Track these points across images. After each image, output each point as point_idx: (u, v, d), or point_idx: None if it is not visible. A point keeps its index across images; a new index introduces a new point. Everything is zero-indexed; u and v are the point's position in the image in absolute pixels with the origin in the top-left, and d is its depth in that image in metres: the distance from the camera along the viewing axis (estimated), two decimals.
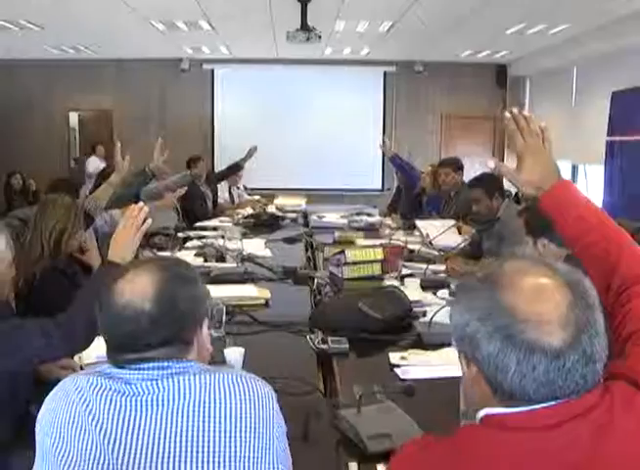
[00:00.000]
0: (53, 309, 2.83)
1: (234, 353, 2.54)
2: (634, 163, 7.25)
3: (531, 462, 1.09)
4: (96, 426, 1.35)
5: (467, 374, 1.20)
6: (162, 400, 1.37)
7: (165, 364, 1.41)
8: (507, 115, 1.70)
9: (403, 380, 2.47)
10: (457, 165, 6.34)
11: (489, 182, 4.77)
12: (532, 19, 7.74)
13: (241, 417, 1.38)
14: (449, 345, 2.83)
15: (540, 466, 1.09)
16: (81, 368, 2.49)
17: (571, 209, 1.60)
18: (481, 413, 1.19)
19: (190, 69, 11.75)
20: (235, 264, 4.44)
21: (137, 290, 1.43)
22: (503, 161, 11.85)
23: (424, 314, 3.29)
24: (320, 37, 7.08)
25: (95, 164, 11.22)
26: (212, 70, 11.86)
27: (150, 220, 2.38)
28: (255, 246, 5.24)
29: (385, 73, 11.94)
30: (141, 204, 2.37)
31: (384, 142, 8.09)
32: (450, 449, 1.17)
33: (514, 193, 6.02)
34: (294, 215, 7.41)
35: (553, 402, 1.11)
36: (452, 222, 5.47)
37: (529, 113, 1.73)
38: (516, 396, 1.12)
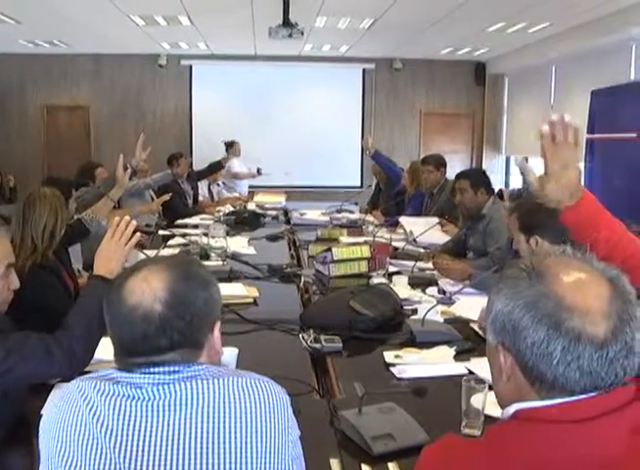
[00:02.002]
0: (42, 307, 2.80)
1: (227, 354, 2.49)
2: (614, 161, 7.30)
3: (563, 456, 1.07)
4: (105, 433, 1.30)
5: (502, 366, 1.18)
6: (174, 406, 1.32)
7: (176, 368, 1.36)
8: (544, 130, 1.67)
9: (400, 379, 2.45)
10: (440, 163, 6.34)
11: (477, 176, 4.79)
12: (513, 17, 7.77)
13: (255, 423, 1.33)
14: (442, 343, 2.84)
15: (573, 460, 1.07)
16: None
17: (597, 227, 1.71)
18: (512, 409, 1.17)
19: (167, 64, 11.64)
20: (220, 262, 4.39)
21: (148, 290, 1.37)
22: (482, 157, 11.92)
23: (414, 312, 3.28)
24: (302, 33, 7.04)
25: (236, 164, 9.81)
26: (190, 67, 11.76)
27: (138, 234, 2.35)
28: (239, 243, 5.20)
29: (363, 71, 11.93)
30: (127, 218, 2.33)
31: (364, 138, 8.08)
32: (481, 449, 1.15)
33: (497, 190, 6.03)
34: (274, 213, 7.38)
35: (592, 394, 1.11)
36: (436, 220, 5.46)
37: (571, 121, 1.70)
38: (557, 385, 1.11)
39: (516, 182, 10.83)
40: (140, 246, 4.96)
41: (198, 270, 1.50)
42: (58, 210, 3.24)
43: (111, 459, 1.28)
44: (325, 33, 9.18)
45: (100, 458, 1.29)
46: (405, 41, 9.82)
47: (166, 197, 6.19)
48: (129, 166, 5.16)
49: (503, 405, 1.22)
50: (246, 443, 1.31)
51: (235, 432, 1.31)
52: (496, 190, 5.99)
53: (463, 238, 4.87)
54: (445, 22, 8.05)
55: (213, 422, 1.31)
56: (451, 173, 6.04)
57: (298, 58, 11.48)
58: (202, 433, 1.30)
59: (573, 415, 1.09)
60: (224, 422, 1.32)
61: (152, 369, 1.36)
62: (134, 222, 2.32)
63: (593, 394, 1.11)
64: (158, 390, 1.33)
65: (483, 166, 11.57)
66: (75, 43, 10.17)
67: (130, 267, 1.47)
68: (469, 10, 7.25)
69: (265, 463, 1.32)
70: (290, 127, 11.79)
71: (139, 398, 1.33)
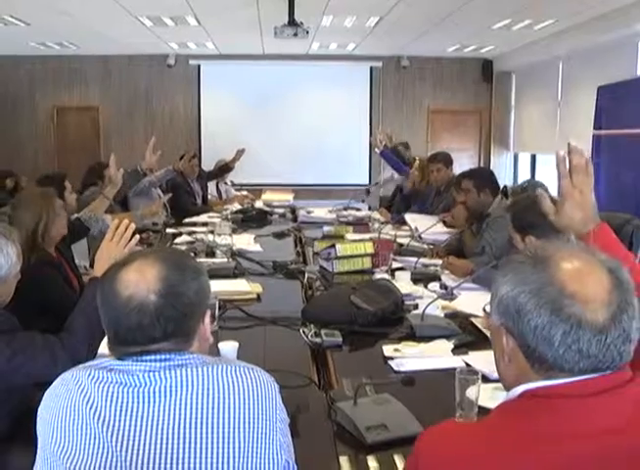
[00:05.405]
0: (45, 300, 2.87)
1: (228, 347, 2.55)
2: (620, 157, 7.30)
3: (572, 426, 1.14)
4: (98, 420, 1.34)
5: (504, 348, 1.25)
6: (164, 392, 1.37)
7: (167, 356, 1.41)
8: (560, 154, 1.68)
9: (398, 372, 2.49)
10: (448, 160, 6.37)
11: (480, 176, 4.74)
12: (518, 14, 7.77)
13: (242, 409, 1.37)
14: (441, 337, 2.88)
15: (585, 430, 1.14)
16: None
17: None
18: (520, 389, 1.23)
19: (176, 64, 11.69)
20: (225, 259, 4.44)
21: (142, 281, 1.42)
22: (490, 155, 11.91)
23: (415, 307, 3.32)
24: (308, 32, 7.07)
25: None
26: (199, 66, 11.79)
27: (137, 236, 2.42)
28: (245, 241, 5.25)
29: (371, 69, 11.93)
30: (126, 221, 2.40)
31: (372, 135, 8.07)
32: (490, 427, 1.22)
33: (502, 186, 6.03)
34: (281, 211, 7.43)
35: (593, 375, 1.18)
36: (441, 216, 5.48)
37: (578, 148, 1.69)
38: (557, 366, 1.18)
39: (523, 179, 10.81)
40: (147, 244, 5.03)
41: (188, 261, 1.56)
42: (41, 210, 3.19)
43: (104, 445, 1.33)
44: (331, 32, 9.21)
45: (94, 445, 1.33)
46: (412, 39, 9.82)
47: (168, 196, 6.24)
48: (140, 169, 5.21)
49: (507, 387, 1.29)
50: (233, 428, 1.36)
51: (222, 418, 1.36)
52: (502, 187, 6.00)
53: (464, 236, 4.85)
54: (451, 19, 8.05)
55: (202, 408, 1.36)
56: (459, 170, 6.06)
57: (306, 56, 11.49)
58: (190, 419, 1.35)
59: (579, 391, 1.17)
60: (212, 408, 1.36)
61: (145, 357, 1.41)
62: (133, 225, 2.38)
63: (593, 375, 1.17)
64: (149, 376, 1.38)
65: (492, 164, 11.57)
66: (85, 44, 10.24)
67: (121, 260, 1.51)
68: (474, 7, 7.26)
69: (252, 449, 1.36)
70: (298, 125, 11.81)
71: (130, 384, 1.37)
